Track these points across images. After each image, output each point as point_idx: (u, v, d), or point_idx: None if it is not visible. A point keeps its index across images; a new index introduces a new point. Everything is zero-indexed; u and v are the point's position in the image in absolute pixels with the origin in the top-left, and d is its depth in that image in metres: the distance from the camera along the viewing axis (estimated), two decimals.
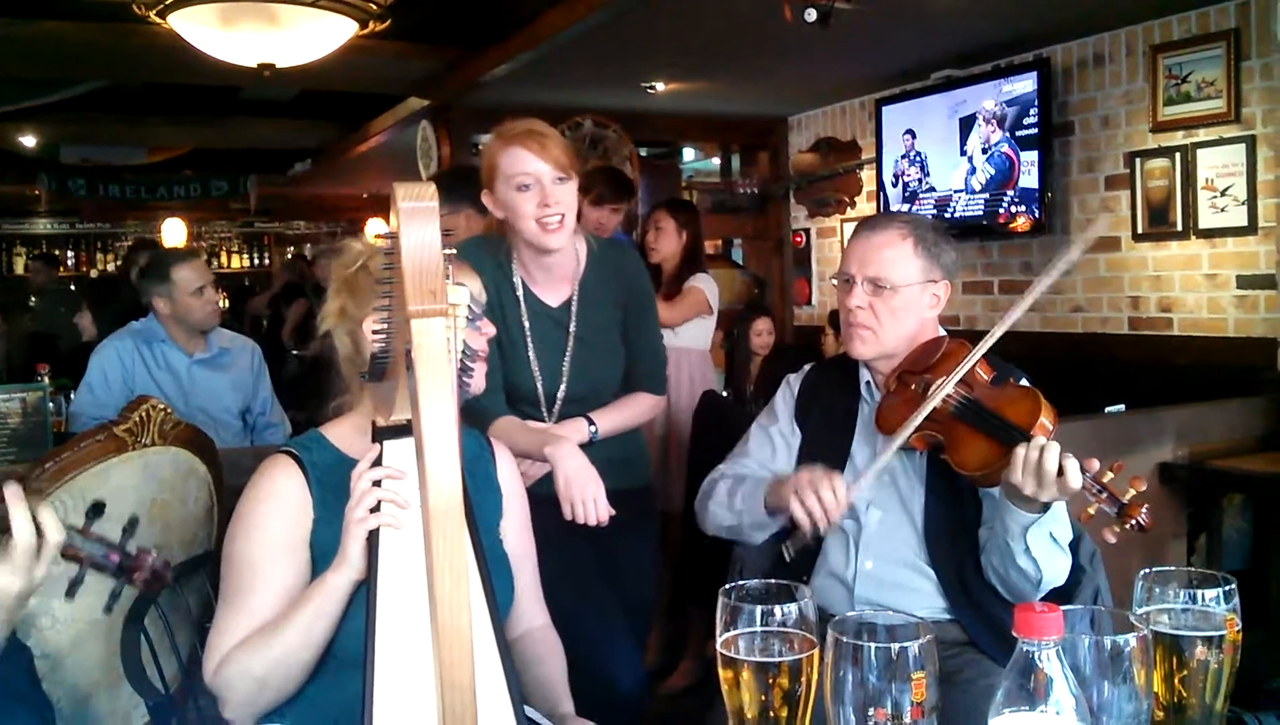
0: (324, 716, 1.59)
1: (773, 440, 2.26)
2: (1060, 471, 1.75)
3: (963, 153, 5.49)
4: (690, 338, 4.25)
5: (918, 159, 5.65)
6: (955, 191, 5.54)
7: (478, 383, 1.82)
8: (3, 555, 1.38)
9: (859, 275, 2.10)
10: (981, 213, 5.42)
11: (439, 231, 1.12)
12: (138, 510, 2.28)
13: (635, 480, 2.58)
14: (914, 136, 5.69)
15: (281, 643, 1.53)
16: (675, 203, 4.70)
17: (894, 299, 2.08)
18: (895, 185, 5.80)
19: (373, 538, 1.49)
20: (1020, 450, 1.78)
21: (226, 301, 9.92)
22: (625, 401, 2.54)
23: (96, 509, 1.56)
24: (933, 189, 5.68)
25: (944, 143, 5.57)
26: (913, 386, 2.04)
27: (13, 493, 1.39)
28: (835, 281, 2.16)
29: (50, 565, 1.42)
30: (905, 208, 5.82)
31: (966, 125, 5.47)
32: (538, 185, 2.26)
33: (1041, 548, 1.89)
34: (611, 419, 2.48)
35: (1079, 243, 2.10)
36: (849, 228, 6.33)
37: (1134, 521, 1.71)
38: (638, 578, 2.62)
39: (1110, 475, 1.75)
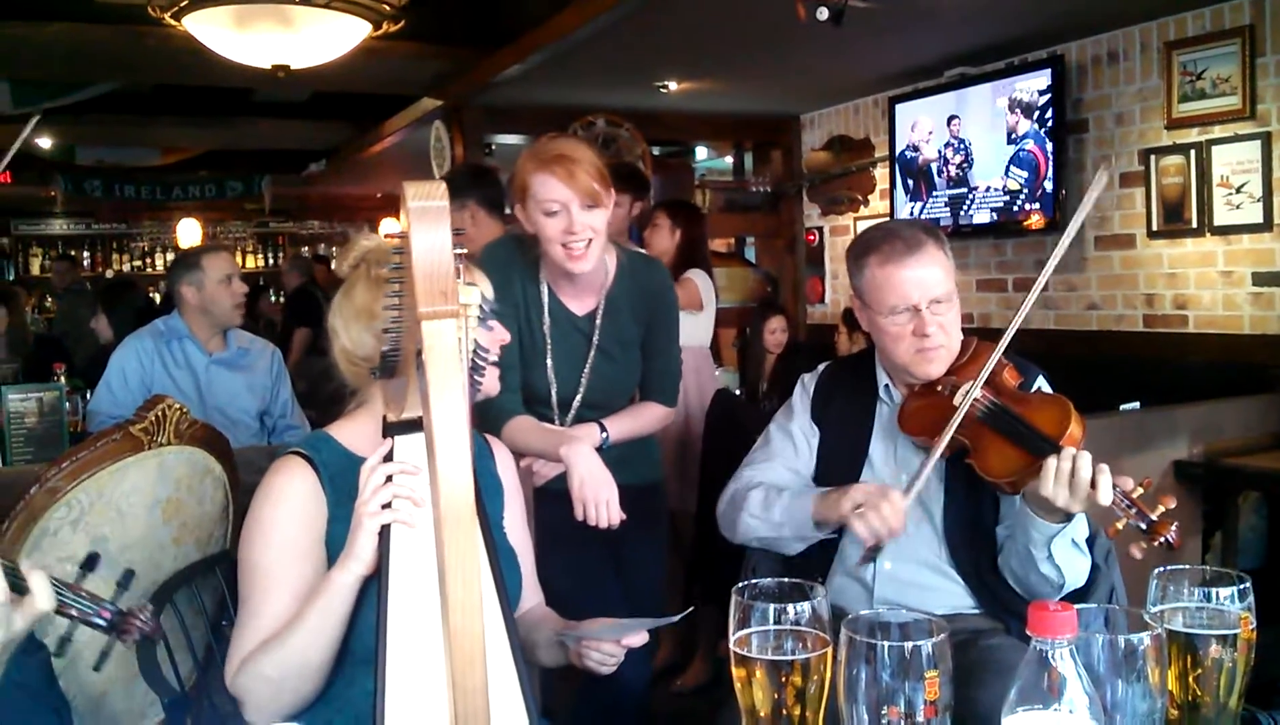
0: (344, 714, 1.60)
1: (794, 438, 2.25)
2: (1093, 484, 1.74)
3: (1008, 142, 5.47)
4: (685, 335, 4.24)
5: (962, 146, 5.60)
6: (980, 186, 5.52)
7: (489, 384, 1.83)
8: None
9: (922, 301, 2.03)
10: (995, 210, 5.41)
11: (450, 231, 1.12)
12: (152, 510, 2.30)
13: (645, 477, 2.60)
14: (960, 121, 5.60)
15: (290, 644, 1.53)
16: (673, 203, 4.73)
17: (951, 311, 2.06)
18: (943, 173, 5.73)
19: (383, 534, 1.49)
20: (1052, 461, 1.77)
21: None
22: (637, 410, 2.56)
23: (90, 562, 1.56)
24: (966, 179, 5.66)
25: (988, 133, 5.54)
26: (939, 387, 2.03)
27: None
28: (888, 317, 2.05)
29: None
30: (915, 208, 5.81)
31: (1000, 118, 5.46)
32: (565, 212, 2.27)
33: (1064, 554, 1.89)
34: (623, 426, 2.50)
35: (1083, 206, 2.07)
36: (862, 226, 6.32)
37: (1163, 539, 1.70)
38: (646, 574, 2.64)
39: (1140, 491, 1.75)
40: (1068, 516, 1.84)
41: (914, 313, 2.04)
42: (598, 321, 2.47)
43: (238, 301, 3.71)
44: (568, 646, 1.76)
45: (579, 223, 2.27)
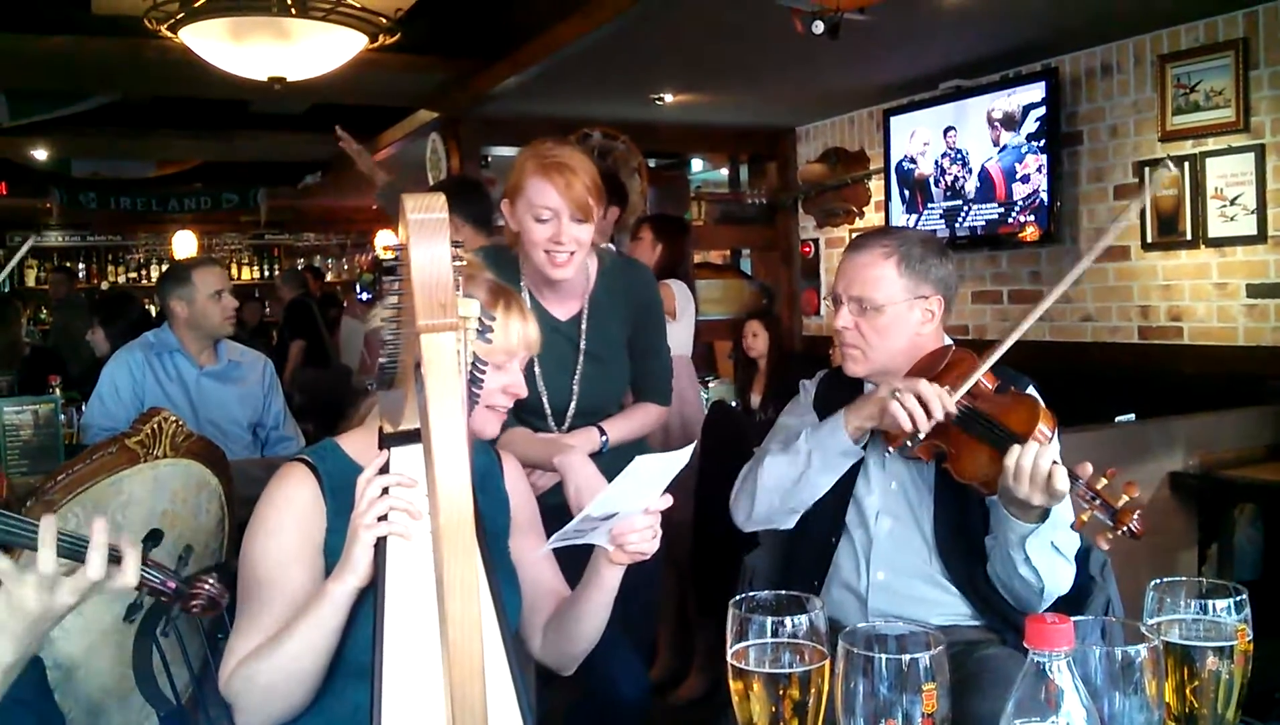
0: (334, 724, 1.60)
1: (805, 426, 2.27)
2: (1049, 476, 1.76)
3: (998, 150, 5.49)
4: None
5: (958, 158, 5.60)
6: (975, 198, 5.54)
7: (490, 428, 1.82)
8: (23, 572, 1.39)
9: (845, 295, 2.13)
10: (990, 222, 5.42)
11: (449, 244, 1.12)
12: (148, 522, 2.29)
13: None
14: (955, 133, 5.60)
15: (283, 652, 1.52)
16: (659, 217, 4.83)
17: (879, 318, 2.10)
18: (938, 184, 5.74)
19: (380, 545, 1.48)
20: (1012, 454, 1.79)
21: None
22: (633, 411, 2.56)
23: (154, 537, 1.58)
24: (961, 191, 5.67)
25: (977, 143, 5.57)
26: None
27: (99, 527, 1.42)
28: (828, 301, 2.19)
29: (85, 594, 1.43)
30: (911, 220, 5.82)
31: (979, 131, 5.47)
32: (555, 220, 2.27)
33: (1042, 557, 1.89)
34: (621, 428, 2.49)
35: (1092, 250, 2.08)
36: None
37: (1125, 528, 1.69)
38: (640, 584, 2.62)
39: (1104, 481, 1.74)
40: (1043, 517, 1.85)
41: (837, 304, 2.15)
42: (583, 326, 2.47)
43: (228, 315, 3.70)
44: (600, 575, 1.71)
45: (567, 234, 2.27)
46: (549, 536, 1.91)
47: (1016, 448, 1.79)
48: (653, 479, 1.55)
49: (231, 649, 1.60)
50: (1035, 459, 1.77)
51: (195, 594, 1.57)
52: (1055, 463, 1.76)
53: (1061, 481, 1.75)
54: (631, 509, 1.60)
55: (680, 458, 1.51)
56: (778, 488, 2.15)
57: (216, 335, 3.72)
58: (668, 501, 1.62)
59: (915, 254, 2.11)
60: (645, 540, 1.64)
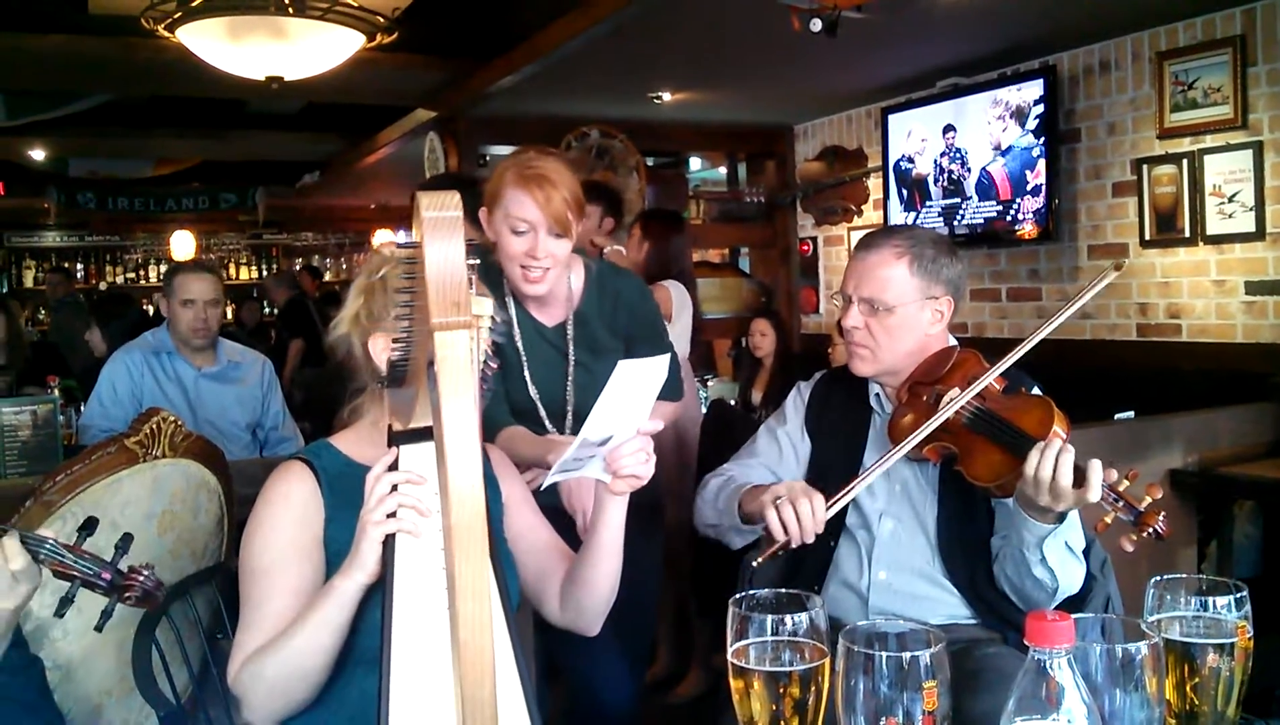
0: (340, 714, 1.60)
1: (779, 443, 2.26)
2: (1080, 480, 1.73)
3: (996, 151, 5.49)
4: None
5: (957, 156, 5.60)
6: (973, 196, 5.53)
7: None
8: None
9: (855, 295, 2.11)
10: (988, 220, 5.42)
11: (463, 242, 1.12)
12: (147, 522, 2.29)
13: (641, 493, 2.58)
14: (955, 132, 5.59)
15: (291, 647, 1.53)
16: (648, 214, 4.73)
17: (890, 319, 2.08)
18: (937, 182, 5.73)
19: (388, 541, 1.48)
20: (1032, 459, 1.77)
21: (232, 312, 9.98)
22: None
23: (88, 526, 1.56)
24: (959, 189, 5.67)
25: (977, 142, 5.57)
26: (924, 398, 2.04)
27: None
28: (835, 300, 2.18)
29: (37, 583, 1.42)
30: (909, 218, 5.82)
31: (978, 128, 5.47)
32: (532, 233, 2.24)
33: (1057, 558, 1.89)
34: None
35: (1092, 286, 2.09)
36: (855, 236, 6.34)
37: (1151, 529, 1.69)
38: (639, 584, 2.62)
39: (1126, 483, 1.74)
40: (1059, 518, 1.84)
41: (847, 303, 2.13)
42: (569, 335, 2.44)
43: (195, 327, 3.63)
44: (605, 511, 1.71)
45: (543, 249, 2.24)
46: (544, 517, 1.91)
47: (1037, 452, 1.77)
48: (639, 389, 1.54)
49: (237, 645, 1.61)
50: (1057, 462, 1.75)
51: (129, 584, 1.53)
52: (1091, 462, 1.75)
53: (1095, 487, 1.73)
54: (625, 432, 1.60)
55: (660, 363, 1.52)
56: (710, 528, 2.21)
57: (186, 341, 3.67)
58: (657, 425, 1.63)
59: (927, 254, 2.10)
60: (639, 463, 1.63)
